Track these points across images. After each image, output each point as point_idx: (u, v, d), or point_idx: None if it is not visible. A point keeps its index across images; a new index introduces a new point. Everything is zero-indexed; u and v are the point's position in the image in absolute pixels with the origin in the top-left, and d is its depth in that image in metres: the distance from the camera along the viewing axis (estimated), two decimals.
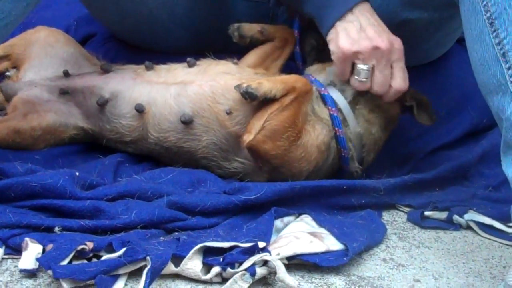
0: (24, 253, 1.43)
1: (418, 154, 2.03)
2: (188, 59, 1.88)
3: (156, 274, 1.40)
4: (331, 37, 1.76)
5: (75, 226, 1.53)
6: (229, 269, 1.43)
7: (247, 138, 1.73)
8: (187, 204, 1.62)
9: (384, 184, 1.77)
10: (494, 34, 1.47)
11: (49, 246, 1.44)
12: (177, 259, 1.44)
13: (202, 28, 2.08)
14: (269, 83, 1.72)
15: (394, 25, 1.92)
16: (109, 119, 1.87)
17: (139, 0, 2.02)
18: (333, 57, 1.77)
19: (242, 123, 1.76)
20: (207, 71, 1.84)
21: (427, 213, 1.77)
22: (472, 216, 1.75)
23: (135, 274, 1.42)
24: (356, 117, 1.82)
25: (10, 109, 1.93)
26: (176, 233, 1.57)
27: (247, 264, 1.43)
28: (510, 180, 1.47)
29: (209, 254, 1.47)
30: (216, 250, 1.47)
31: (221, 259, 1.45)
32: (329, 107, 1.80)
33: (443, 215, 1.76)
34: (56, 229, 1.51)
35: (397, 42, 1.76)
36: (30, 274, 1.41)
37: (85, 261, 1.44)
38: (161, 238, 1.53)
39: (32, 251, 1.43)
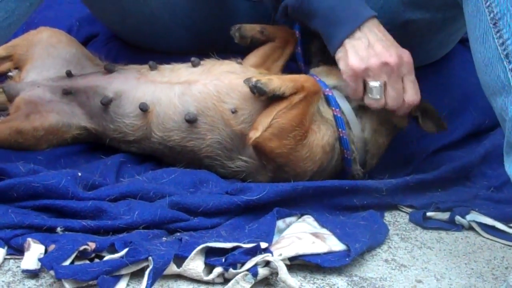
0: (26, 254, 1.43)
1: (420, 155, 2.03)
2: (192, 58, 1.88)
3: (158, 274, 1.40)
4: (340, 55, 1.76)
5: (77, 226, 1.53)
6: (231, 270, 1.43)
7: (253, 135, 1.73)
8: (189, 204, 1.62)
9: (386, 185, 1.77)
10: (498, 34, 1.47)
11: (51, 247, 1.44)
12: (179, 260, 1.44)
13: (203, 28, 2.08)
14: (279, 80, 1.72)
15: (397, 26, 1.93)
16: (112, 119, 1.87)
17: (140, 0, 2.02)
18: (344, 76, 1.76)
19: (247, 122, 1.76)
20: (211, 70, 1.84)
21: (429, 213, 1.76)
22: (474, 216, 1.74)
23: (137, 275, 1.42)
24: (362, 124, 1.82)
25: (13, 110, 1.93)
26: (178, 234, 1.57)
27: (249, 264, 1.43)
28: None
29: (211, 255, 1.47)
30: (218, 250, 1.47)
31: (223, 260, 1.45)
32: (333, 108, 1.80)
33: (445, 215, 1.76)
34: (58, 229, 1.52)
35: (406, 55, 1.75)
36: (32, 274, 1.41)
37: (87, 262, 1.44)
38: (163, 238, 1.54)
39: (34, 252, 1.43)
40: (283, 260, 1.47)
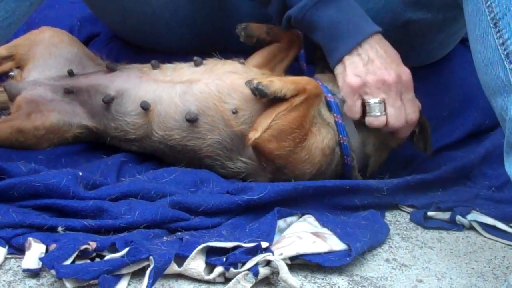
0: (27, 253, 1.43)
1: (421, 155, 2.02)
2: (195, 58, 1.88)
3: (159, 274, 1.40)
4: (338, 71, 1.77)
5: (78, 226, 1.53)
6: (232, 269, 1.43)
7: (253, 136, 1.73)
8: (190, 204, 1.62)
9: (387, 185, 1.77)
10: (498, 34, 1.47)
11: (52, 246, 1.44)
12: (180, 259, 1.44)
13: (204, 27, 2.08)
14: (280, 82, 1.72)
15: (398, 26, 1.93)
16: (114, 117, 1.87)
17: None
18: (341, 93, 1.77)
19: (247, 122, 1.76)
20: (214, 70, 1.84)
21: (430, 213, 1.76)
22: (475, 216, 1.74)
23: (138, 274, 1.42)
24: (364, 138, 1.82)
25: (14, 109, 1.93)
26: (179, 233, 1.57)
27: (250, 264, 1.43)
28: None
29: (212, 254, 1.47)
30: (219, 250, 1.47)
31: (224, 259, 1.45)
32: (335, 114, 1.80)
33: (446, 215, 1.76)
34: (59, 229, 1.51)
35: (405, 74, 1.75)
36: (33, 273, 1.41)
37: (88, 261, 1.44)
38: (164, 238, 1.53)
39: (35, 251, 1.43)
40: (284, 259, 1.46)
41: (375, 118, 1.75)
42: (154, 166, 1.86)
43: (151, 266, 1.39)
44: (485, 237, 1.72)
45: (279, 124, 1.71)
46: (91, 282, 1.38)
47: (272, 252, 1.47)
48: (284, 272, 1.42)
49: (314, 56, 1.97)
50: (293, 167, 1.75)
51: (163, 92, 1.83)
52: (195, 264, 1.44)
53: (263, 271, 1.43)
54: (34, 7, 1.69)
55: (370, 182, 1.76)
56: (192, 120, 1.78)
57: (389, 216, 1.79)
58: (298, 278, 1.48)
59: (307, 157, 1.74)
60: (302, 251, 1.51)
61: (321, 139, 1.76)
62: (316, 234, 1.57)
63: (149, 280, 1.37)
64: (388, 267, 1.56)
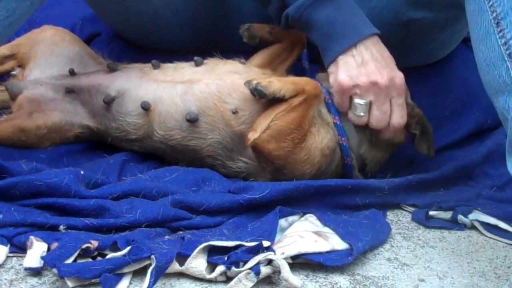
0: (29, 252, 1.43)
1: (422, 154, 2.02)
2: (196, 58, 1.88)
3: (160, 272, 1.40)
4: (331, 70, 1.77)
5: (80, 224, 1.53)
6: (233, 268, 1.43)
7: (252, 136, 1.73)
8: (191, 203, 1.62)
9: (389, 184, 1.77)
10: (500, 34, 1.47)
11: (54, 245, 1.44)
12: (182, 258, 1.44)
13: (206, 27, 2.08)
14: (279, 82, 1.72)
15: (400, 25, 1.93)
16: (115, 117, 1.87)
17: None
18: (332, 90, 1.78)
19: (247, 122, 1.76)
20: (214, 70, 1.84)
21: (431, 212, 1.76)
22: (477, 216, 1.74)
23: (139, 273, 1.42)
24: (360, 139, 1.82)
25: (16, 108, 1.93)
26: (181, 232, 1.57)
27: (251, 263, 1.43)
28: None
29: (213, 253, 1.47)
30: (221, 249, 1.47)
31: (226, 258, 1.45)
32: (333, 116, 1.80)
33: (447, 215, 1.76)
34: (61, 227, 1.52)
35: (398, 78, 1.75)
36: (35, 272, 1.41)
37: (90, 260, 1.44)
38: (166, 237, 1.53)
39: (37, 250, 1.43)
40: (285, 258, 1.46)
41: (358, 118, 1.77)
42: (155, 165, 1.86)
43: (153, 265, 1.39)
44: (486, 236, 1.72)
45: (278, 125, 1.71)
46: (93, 280, 1.38)
47: (273, 251, 1.47)
48: (286, 271, 1.42)
49: (318, 56, 1.97)
50: (293, 168, 1.75)
51: (163, 92, 1.83)
52: (197, 263, 1.44)
53: (264, 270, 1.43)
54: (35, 6, 1.69)
55: (371, 182, 1.76)
56: (192, 120, 1.78)
57: (390, 216, 1.79)
58: (300, 277, 1.47)
59: (306, 158, 1.74)
60: (303, 250, 1.51)
61: (320, 139, 1.76)
62: (317, 233, 1.57)
63: (150, 279, 1.37)
64: (389, 267, 1.56)
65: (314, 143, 1.75)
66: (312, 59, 1.99)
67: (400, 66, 1.88)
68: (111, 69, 1.93)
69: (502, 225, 1.71)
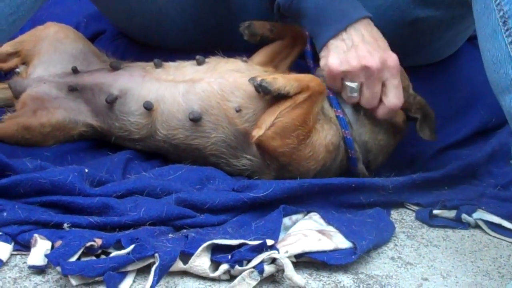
0: (33, 250, 1.43)
1: (426, 153, 2.02)
2: (197, 56, 1.88)
3: (164, 271, 1.40)
4: (323, 54, 1.78)
5: (84, 222, 1.53)
6: (237, 267, 1.43)
7: (257, 133, 1.73)
8: (195, 201, 1.62)
9: (393, 183, 1.77)
10: (507, 33, 1.47)
11: (58, 243, 1.44)
12: (186, 256, 1.44)
13: (211, 25, 2.08)
14: (284, 79, 1.72)
15: (406, 23, 1.92)
16: (117, 117, 1.87)
17: None
18: (324, 72, 1.79)
19: (251, 120, 1.76)
20: (216, 68, 1.84)
21: (435, 211, 1.76)
22: (481, 215, 1.74)
23: (143, 271, 1.43)
24: (360, 126, 1.82)
25: (19, 106, 1.93)
26: (185, 230, 1.57)
27: (255, 261, 1.43)
28: None
29: (217, 252, 1.47)
30: (225, 247, 1.47)
31: (229, 257, 1.45)
32: (335, 109, 1.80)
33: (451, 213, 1.76)
34: (65, 225, 1.52)
35: (391, 60, 1.75)
36: (39, 270, 1.41)
37: (94, 258, 1.44)
38: (170, 235, 1.54)
39: (41, 248, 1.43)
40: (289, 257, 1.46)
41: (349, 98, 1.78)
42: (160, 163, 1.86)
43: (157, 263, 1.39)
44: (490, 235, 1.72)
45: (282, 122, 1.71)
46: (97, 279, 1.38)
47: (277, 249, 1.47)
48: (289, 270, 1.42)
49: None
50: (297, 164, 1.75)
51: (166, 91, 1.83)
52: (201, 261, 1.44)
53: (268, 268, 1.43)
54: (39, 3, 1.69)
55: (376, 180, 1.76)
56: (195, 119, 1.78)
57: (394, 214, 1.79)
58: (303, 276, 1.48)
59: (311, 154, 1.74)
60: (307, 249, 1.51)
61: (324, 135, 1.76)
62: (321, 232, 1.57)
63: (154, 277, 1.37)
64: (393, 265, 1.55)
65: (319, 140, 1.75)
66: (316, 58, 1.98)
67: (405, 65, 1.89)
68: (114, 68, 1.93)
69: (506, 224, 1.71)
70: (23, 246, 1.48)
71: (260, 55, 1.95)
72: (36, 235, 1.46)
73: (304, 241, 1.52)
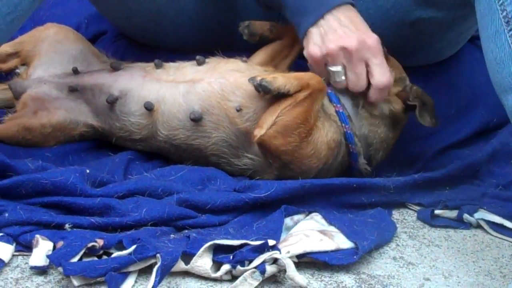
0: (34, 250, 1.43)
1: (428, 153, 2.02)
2: (198, 57, 1.88)
3: (166, 271, 1.40)
4: (304, 44, 1.79)
5: (86, 223, 1.53)
6: (239, 267, 1.43)
7: (258, 133, 1.73)
8: (197, 201, 1.62)
9: (394, 183, 1.77)
10: (511, 33, 1.47)
11: (60, 243, 1.44)
12: (187, 257, 1.44)
13: (210, 25, 2.08)
14: (284, 78, 1.72)
15: (407, 24, 1.92)
16: (118, 117, 1.87)
17: None
18: (308, 63, 1.80)
19: (252, 120, 1.76)
20: (217, 68, 1.84)
21: (437, 211, 1.76)
22: (483, 215, 1.74)
23: (145, 272, 1.43)
24: (360, 119, 1.82)
25: (20, 107, 1.93)
26: (186, 231, 1.57)
27: (257, 262, 1.43)
28: None
29: (219, 252, 1.47)
30: (226, 247, 1.47)
31: (231, 257, 1.45)
32: (335, 104, 1.80)
33: (453, 213, 1.76)
34: (67, 226, 1.52)
35: (371, 39, 1.74)
36: (41, 271, 1.41)
37: (96, 258, 1.44)
38: (171, 235, 1.54)
39: (42, 248, 1.43)
40: (291, 257, 1.46)
41: (336, 83, 1.78)
42: (161, 163, 1.86)
43: (158, 264, 1.39)
44: (492, 235, 1.72)
45: (284, 120, 1.71)
46: (98, 279, 1.38)
47: (279, 250, 1.47)
48: (291, 270, 1.42)
49: None
50: (299, 163, 1.75)
51: (166, 91, 1.83)
52: (202, 261, 1.44)
53: (270, 269, 1.43)
54: (37, 3, 1.69)
55: (377, 180, 1.76)
56: (196, 119, 1.78)
57: (396, 214, 1.79)
58: (305, 276, 1.47)
59: (313, 152, 1.74)
60: (309, 249, 1.51)
61: (325, 133, 1.76)
62: (323, 232, 1.57)
63: (156, 277, 1.37)
64: (395, 265, 1.55)
65: (320, 137, 1.75)
66: None
67: (406, 65, 1.89)
68: (114, 68, 1.92)
69: (508, 224, 1.71)
70: (25, 247, 1.48)
71: (260, 55, 1.95)
72: (37, 235, 1.46)
73: (306, 241, 1.52)
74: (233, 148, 1.79)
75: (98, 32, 2.33)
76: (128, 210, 1.57)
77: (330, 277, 1.49)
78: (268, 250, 1.45)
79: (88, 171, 1.65)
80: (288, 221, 1.63)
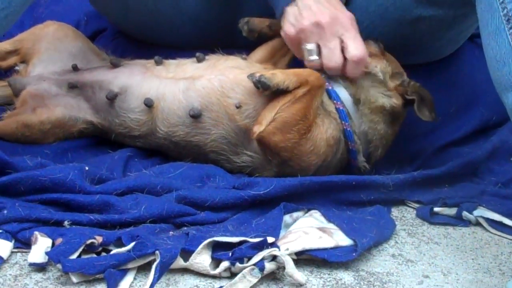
0: (33, 247, 1.43)
1: (427, 150, 2.02)
2: (197, 54, 1.88)
3: (165, 268, 1.40)
4: (281, 24, 1.80)
5: (85, 220, 1.53)
6: (238, 264, 1.43)
7: (257, 129, 1.73)
8: (196, 199, 1.62)
9: (394, 180, 1.77)
10: (511, 31, 1.47)
11: (59, 240, 1.44)
12: (186, 254, 1.44)
13: (208, 22, 2.08)
14: (283, 74, 1.72)
15: (407, 22, 1.92)
16: (118, 114, 1.87)
17: None
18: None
19: (251, 116, 1.76)
20: (216, 65, 1.84)
21: (436, 209, 1.76)
22: (482, 212, 1.74)
23: (144, 269, 1.43)
24: (360, 116, 1.82)
25: (19, 104, 1.93)
26: (185, 228, 1.57)
27: (256, 259, 1.43)
28: None
29: (218, 249, 1.47)
30: (225, 245, 1.47)
31: (230, 254, 1.45)
32: (335, 101, 1.80)
33: (452, 211, 1.76)
34: (66, 223, 1.52)
35: (343, 15, 1.76)
36: (40, 267, 1.41)
37: (94, 255, 1.45)
38: (170, 232, 1.54)
39: (41, 245, 1.43)
40: (290, 254, 1.47)
41: (311, 62, 1.78)
42: (160, 161, 1.86)
43: (157, 261, 1.39)
44: (491, 233, 1.72)
45: (283, 117, 1.71)
46: (97, 276, 1.38)
47: (278, 247, 1.47)
48: (290, 267, 1.42)
49: None
50: (299, 159, 1.75)
51: (166, 88, 1.83)
52: (201, 258, 1.44)
53: (269, 266, 1.43)
54: None
55: (376, 178, 1.76)
56: (195, 116, 1.78)
57: (395, 212, 1.79)
58: (304, 273, 1.47)
59: (312, 149, 1.74)
60: (308, 246, 1.51)
61: (325, 129, 1.75)
62: (322, 229, 1.57)
63: (155, 274, 1.37)
64: (394, 263, 1.55)
65: (320, 134, 1.75)
66: None
67: (406, 63, 1.89)
68: (114, 65, 1.92)
69: (507, 221, 1.71)
70: (24, 244, 1.48)
71: (259, 52, 1.95)
72: (36, 232, 1.46)
73: (305, 238, 1.52)
74: (232, 145, 1.79)
75: (97, 29, 2.33)
76: (127, 207, 1.57)
77: (329, 274, 1.49)
78: (267, 247, 1.46)
79: (87, 168, 1.65)
80: (287, 218, 1.63)
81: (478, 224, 1.75)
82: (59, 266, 1.38)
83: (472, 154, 1.95)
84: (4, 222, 1.50)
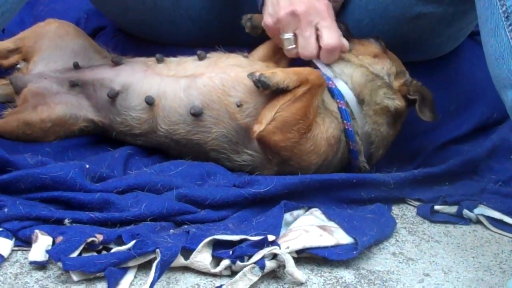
0: (34, 245, 1.44)
1: (428, 148, 2.02)
2: (199, 52, 1.88)
3: (165, 266, 1.40)
4: (262, 15, 1.82)
5: (85, 218, 1.53)
6: (238, 262, 1.43)
7: (258, 128, 1.73)
8: (196, 197, 1.62)
9: (394, 178, 1.77)
10: (510, 28, 1.47)
11: (59, 238, 1.44)
12: (187, 252, 1.44)
13: (209, 19, 2.08)
14: (283, 73, 1.72)
15: (408, 19, 1.92)
16: (119, 112, 1.87)
17: None
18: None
19: (252, 115, 1.76)
20: (218, 63, 1.84)
21: (436, 207, 1.76)
22: (482, 210, 1.74)
23: (144, 267, 1.43)
24: (363, 117, 1.81)
25: (20, 101, 1.93)
26: (186, 226, 1.57)
27: (256, 257, 1.43)
28: None
29: (218, 247, 1.47)
30: (226, 243, 1.47)
31: (231, 252, 1.45)
32: (338, 100, 1.79)
33: (452, 209, 1.76)
34: (66, 221, 1.52)
35: (319, 4, 1.77)
36: (40, 266, 1.42)
37: (95, 254, 1.45)
38: (171, 231, 1.54)
39: (42, 243, 1.44)
40: (290, 253, 1.47)
41: (289, 51, 1.80)
42: (161, 159, 1.86)
43: (158, 259, 1.39)
44: (492, 231, 1.72)
45: (283, 116, 1.71)
46: (98, 274, 1.38)
47: (278, 245, 1.47)
48: (291, 265, 1.42)
49: None
50: (299, 159, 1.74)
51: (167, 86, 1.82)
52: (202, 257, 1.44)
53: (269, 264, 1.43)
54: None
55: (377, 176, 1.76)
56: (196, 114, 1.78)
57: (396, 210, 1.79)
58: (305, 272, 1.48)
59: (313, 148, 1.74)
60: (308, 244, 1.51)
61: (326, 129, 1.75)
62: (322, 227, 1.57)
63: (155, 272, 1.37)
64: (394, 261, 1.55)
65: (320, 133, 1.74)
66: None
67: (406, 61, 1.88)
68: (116, 63, 1.92)
69: (507, 219, 1.71)
70: (24, 242, 1.48)
71: (261, 51, 1.95)
72: (37, 230, 1.46)
73: (305, 236, 1.52)
74: (233, 143, 1.79)
75: (98, 27, 2.33)
76: (127, 205, 1.57)
77: (329, 272, 1.49)
78: (268, 246, 1.46)
79: (87, 166, 1.66)
80: (287, 216, 1.63)
81: (478, 222, 1.75)
82: (59, 264, 1.38)
83: (472, 152, 1.95)
84: (4, 220, 1.50)
